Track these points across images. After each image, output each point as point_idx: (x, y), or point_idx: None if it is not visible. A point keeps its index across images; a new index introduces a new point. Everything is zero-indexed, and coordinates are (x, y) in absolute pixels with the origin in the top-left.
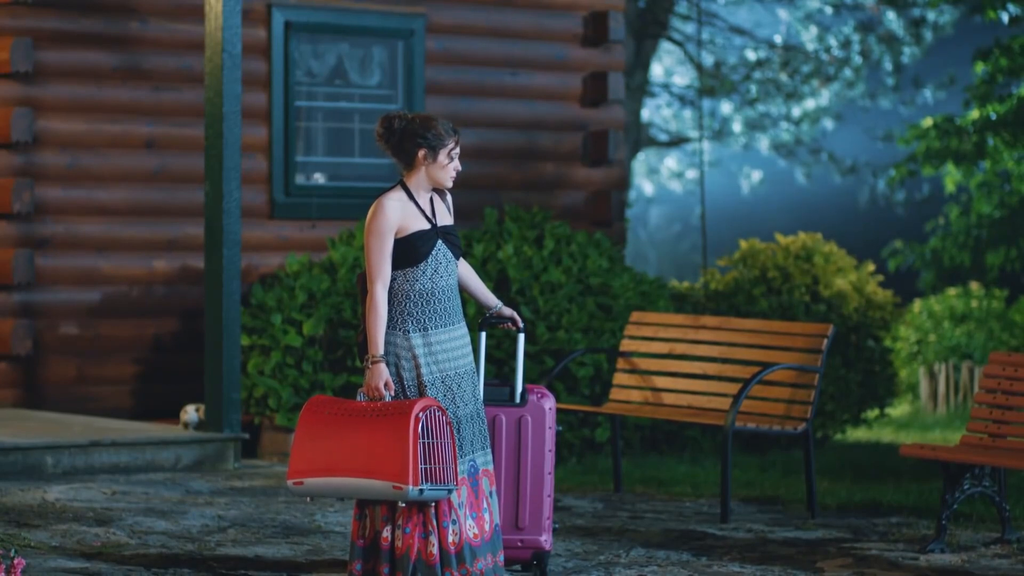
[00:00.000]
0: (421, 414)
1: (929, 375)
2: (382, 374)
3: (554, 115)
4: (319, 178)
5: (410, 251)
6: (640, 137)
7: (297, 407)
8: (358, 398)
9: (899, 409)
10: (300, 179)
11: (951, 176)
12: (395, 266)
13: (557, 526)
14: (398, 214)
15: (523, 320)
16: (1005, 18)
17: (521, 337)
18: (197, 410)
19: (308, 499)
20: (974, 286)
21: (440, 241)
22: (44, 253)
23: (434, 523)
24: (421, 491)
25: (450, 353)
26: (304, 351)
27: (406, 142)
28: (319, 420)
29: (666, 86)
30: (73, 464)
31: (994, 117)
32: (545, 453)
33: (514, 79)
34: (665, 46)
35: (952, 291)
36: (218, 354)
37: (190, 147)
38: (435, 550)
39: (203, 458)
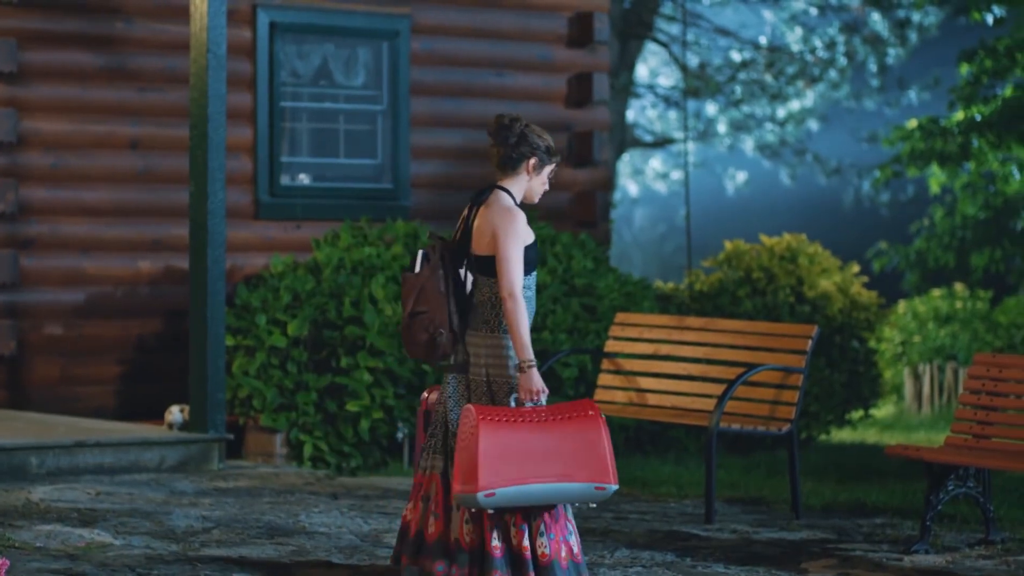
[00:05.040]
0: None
1: (913, 376)
2: (539, 377)
3: (539, 116)
4: (304, 179)
5: (527, 260)
6: (625, 138)
7: (282, 408)
8: (510, 404)
9: (883, 410)
10: (285, 180)
11: (936, 177)
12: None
13: None
14: None
15: None
16: (990, 19)
17: None
18: (182, 411)
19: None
20: (958, 287)
21: None
22: (29, 253)
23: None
24: (617, 488)
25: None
26: (289, 352)
27: (522, 146)
28: (500, 429)
29: (651, 87)
30: (58, 465)
31: (979, 118)
32: None
33: (499, 80)
34: (650, 47)
35: (936, 292)
36: (203, 354)
37: (175, 147)
38: (578, 548)
39: (188, 459)
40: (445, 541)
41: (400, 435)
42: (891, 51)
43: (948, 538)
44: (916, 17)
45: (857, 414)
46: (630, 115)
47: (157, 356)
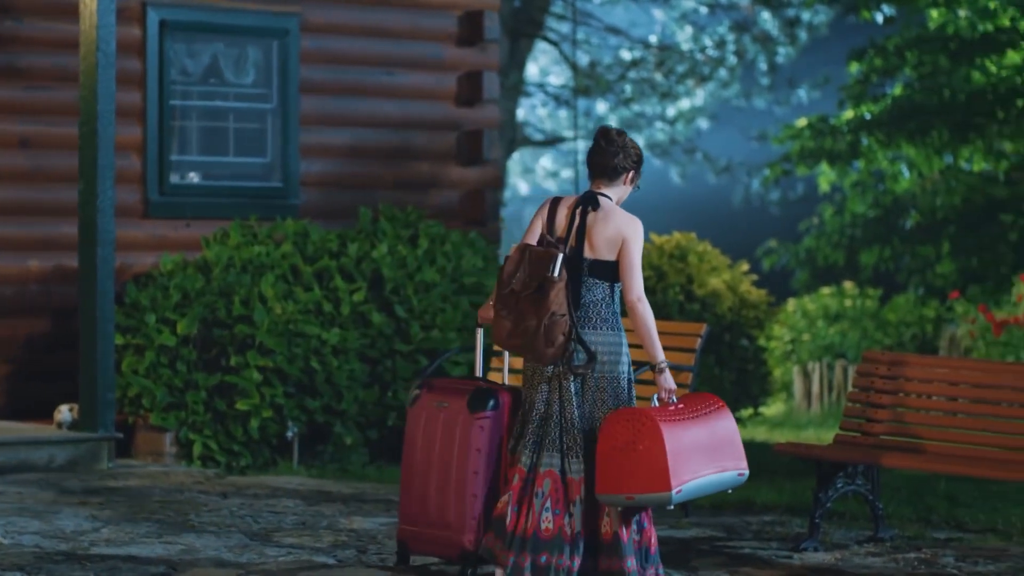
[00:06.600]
0: None
1: (803, 374)
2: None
3: (429, 114)
4: (193, 177)
5: None
6: (515, 136)
7: (171, 407)
8: (653, 404)
9: (773, 408)
10: (174, 178)
11: (825, 176)
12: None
13: None
14: None
15: (398, 320)
16: (879, 18)
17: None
18: (71, 410)
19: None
20: (848, 285)
21: None
22: None
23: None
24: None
25: None
26: (178, 350)
27: (627, 159)
28: (676, 427)
29: (541, 85)
30: None
31: (868, 117)
32: (471, 451)
33: (389, 78)
34: (540, 46)
35: (826, 290)
36: (92, 353)
37: (65, 146)
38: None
39: (77, 458)
40: (563, 534)
41: (290, 434)
42: (781, 50)
43: (837, 535)
44: (806, 16)
45: (747, 412)
46: (520, 113)
47: (46, 355)
